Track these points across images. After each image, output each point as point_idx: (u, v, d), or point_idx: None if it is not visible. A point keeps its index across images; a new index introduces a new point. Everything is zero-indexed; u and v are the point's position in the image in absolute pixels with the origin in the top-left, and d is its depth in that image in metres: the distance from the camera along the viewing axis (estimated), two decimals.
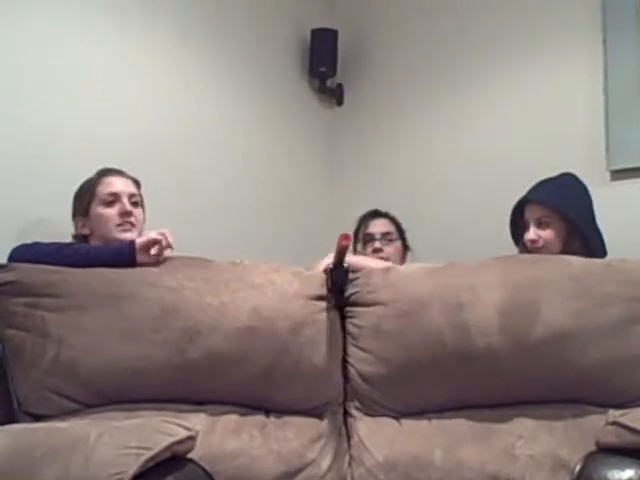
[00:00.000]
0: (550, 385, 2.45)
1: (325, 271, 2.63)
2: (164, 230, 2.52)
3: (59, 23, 3.09)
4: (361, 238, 3.37)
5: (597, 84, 3.43)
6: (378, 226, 3.37)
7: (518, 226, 2.95)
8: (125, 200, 2.69)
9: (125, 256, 2.48)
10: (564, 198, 2.85)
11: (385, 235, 3.33)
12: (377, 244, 3.29)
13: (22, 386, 2.37)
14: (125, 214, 2.67)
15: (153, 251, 2.49)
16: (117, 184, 2.70)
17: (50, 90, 3.03)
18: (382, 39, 4.17)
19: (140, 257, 2.48)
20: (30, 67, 2.98)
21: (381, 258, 3.13)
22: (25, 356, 2.37)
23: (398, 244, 3.37)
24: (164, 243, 2.50)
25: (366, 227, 3.38)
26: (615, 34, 3.41)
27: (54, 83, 3.05)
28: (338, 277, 2.59)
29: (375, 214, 3.43)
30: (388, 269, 2.72)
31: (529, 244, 2.85)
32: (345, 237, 2.49)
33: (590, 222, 2.86)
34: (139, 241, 2.50)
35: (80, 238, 2.69)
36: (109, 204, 2.67)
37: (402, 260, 3.34)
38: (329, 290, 2.62)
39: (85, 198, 2.68)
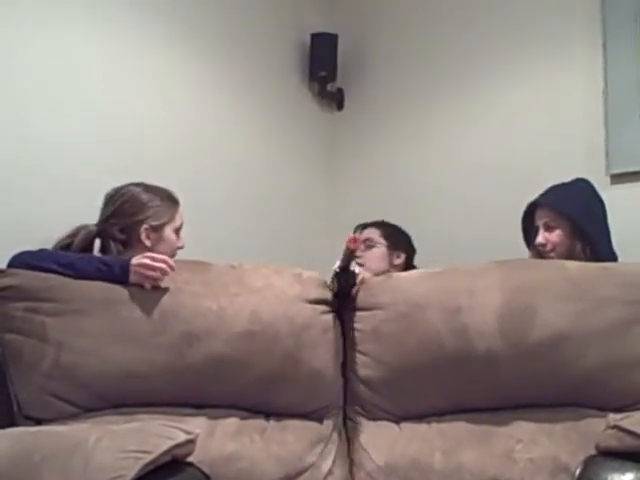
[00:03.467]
0: (549, 388, 2.45)
1: (334, 273, 2.60)
2: (166, 259, 2.48)
3: (59, 27, 3.09)
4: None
5: (597, 88, 3.44)
6: (361, 236, 3.38)
7: (529, 230, 3.00)
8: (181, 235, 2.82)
9: (117, 277, 2.47)
10: (568, 201, 2.90)
11: (364, 242, 3.34)
12: (358, 253, 3.30)
13: (22, 390, 2.37)
14: (182, 247, 2.80)
15: (148, 282, 2.47)
16: (182, 218, 2.81)
17: (50, 93, 3.03)
18: (382, 43, 4.18)
19: (133, 278, 2.46)
20: (30, 70, 2.98)
21: (359, 265, 3.09)
22: (24, 360, 2.36)
23: (378, 249, 3.39)
24: (160, 275, 2.47)
25: None
26: (615, 38, 3.41)
27: (54, 85, 3.05)
28: (345, 281, 2.58)
29: (363, 226, 3.47)
30: (389, 276, 2.73)
31: (540, 248, 2.91)
32: (353, 240, 2.47)
33: (595, 224, 2.88)
34: (136, 264, 2.46)
35: (130, 241, 2.68)
36: (177, 233, 2.78)
37: (388, 264, 3.36)
38: (335, 295, 2.62)
39: (164, 217, 2.74)
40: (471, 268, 2.63)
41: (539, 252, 2.92)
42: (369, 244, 3.38)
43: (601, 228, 2.90)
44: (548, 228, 2.90)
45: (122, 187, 2.73)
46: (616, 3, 3.41)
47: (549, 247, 2.89)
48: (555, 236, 2.88)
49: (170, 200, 2.77)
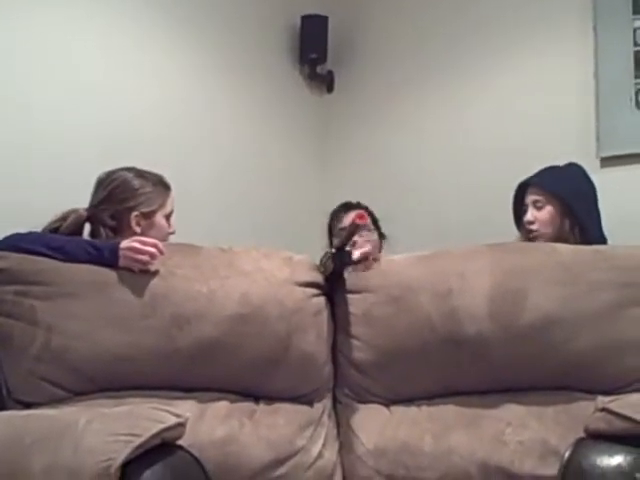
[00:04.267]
0: (539, 371, 2.45)
1: (325, 254, 2.59)
2: (156, 243, 2.47)
3: (58, 11, 3.09)
4: (336, 233, 3.31)
5: (588, 72, 3.45)
6: (348, 221, 3.28)
7: (519, 211, 3.03)
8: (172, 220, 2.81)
9: (107, 261, 2.46)
10: (559, 181, 2.94)
11: (363, 227, 3.28)
12: (357, 237, 3.24)
13: (11, 374, 2.36)
14: (173, 233, 2.80)
15: (137, 266, 2.45)
16: (173, 204, 2.80)
17: (47, 77, 3.05)
18: (373, 25, 4.17)
19: (122, 262, 2.45)
20: (29, 62, 2.99)
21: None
22: (14, 344, 2.36)
23: (375, 235, 3.31)
24: (149, 259, 2.45)
25: (339, 221, 3.33)
26: (606, 21, 3.42)
27: (51, 70, 3.07)
28: (341, 260, 2.54)
29: (347, 207, 3.38)
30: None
31: (527, 225, 2.95)
32: (360, 216, 2.42)
33: (585, 206, 2.90)
34: (126, 247, 2.44)
35: (120, 227, 2.66)
36: (167, 218, 2.77)
37: (380, 250, 3.30)
38: (327, 276, 2.60)
39: (154, 203, 2.72)
40: (462, 251, 2.64)
41: (528, 231, 2.95)
42: (369, 228, 3.24)
43: (591, 210, 2.92)
44: (537, 207, 2.93)
45: (114, 172, 2.71)
46: None
47: (537, 225, 2.91)
48: (545, 213, 2.92)
49: (161, 186, 2.76)
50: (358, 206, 3.38)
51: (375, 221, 3.36)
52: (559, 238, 2.83)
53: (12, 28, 2.94)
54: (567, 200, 2.88)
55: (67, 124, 3.07)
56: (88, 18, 3.20)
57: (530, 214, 2.94)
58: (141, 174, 2.73)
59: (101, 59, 3.25)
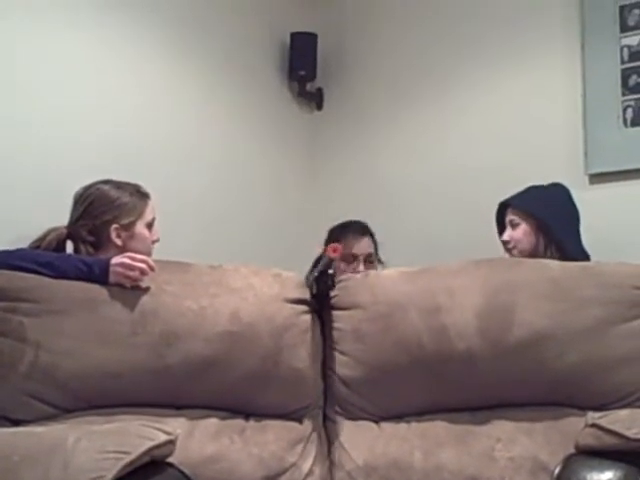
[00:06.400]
0: (529, 388, 2.46)
1: (308, 278, 2.62)
2: (146, 259, 2.47)
3: (42, 32, 3.10)
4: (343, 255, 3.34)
5: (576, 89, 3.46)
6: (362, 247, 3.36)
7: (502, 229, 3.08)
8: (155, 228, 2.78)
9: (97, 277, 2.45)
10: (536, 200, 2.99)
11: (368, 256, 3.34)
12: (361, 267, 3.28)
13: (0, 391, 2.35)
14: (157, 241, 2.77)
15: (128, 283, 2.45)
16: (154, 212, 2.77)
17: (27, 91, 3.05)
18: (362, 43, 4.18)
19: (113, 278, 2.45)
20: (12, 75, 3.00)
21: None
22: (3, 361, 2.34)
23: (375, 265, 3.37)
24: (140, 275, 2.45)
25: (350, 247, 3.32)
26: (593, 39, 3.44)
27: (32, 83, 3.06)
28: (324, 284, 2.57)
29: (360, 232, 3.39)
30: (367, 274, 2.73)
31: (503, 245, 3.02)
32: (334, 249, 2.49)
33: (562, 223, 2.93)
34: (116, 264, 2.44)
35: (100, 242, 2.65)
36: (149, 227, 2.73)
37: None
38: (313, 296, 2.61)
39: (133, 214, 2.69)
40: (451, 267, 2.64)
41: (505, 249, 3.02)
42: (371, 260, 3.35)
43: (570, 227, 2.96)
44: (513, 225, 2.98)
45: (90, 186, 2.69)
46: (595, 4, 3.43)
47: (512, 244, 2.96)
48: (519, 232, 2.97)
49: (139, 195, 2.73)
50: (369, 233, 3.42)
51: (377, 248, 3.41)
52: (535, 255, 2.87)
53: None
54: (541, 218, 2.93)
55: (53, 138, 3.08)
56: (70, 29, 3.21)
57: (506, 234, 3.00)
58: (117, 185, 2.70)
59: (90, 75, 3.25)
